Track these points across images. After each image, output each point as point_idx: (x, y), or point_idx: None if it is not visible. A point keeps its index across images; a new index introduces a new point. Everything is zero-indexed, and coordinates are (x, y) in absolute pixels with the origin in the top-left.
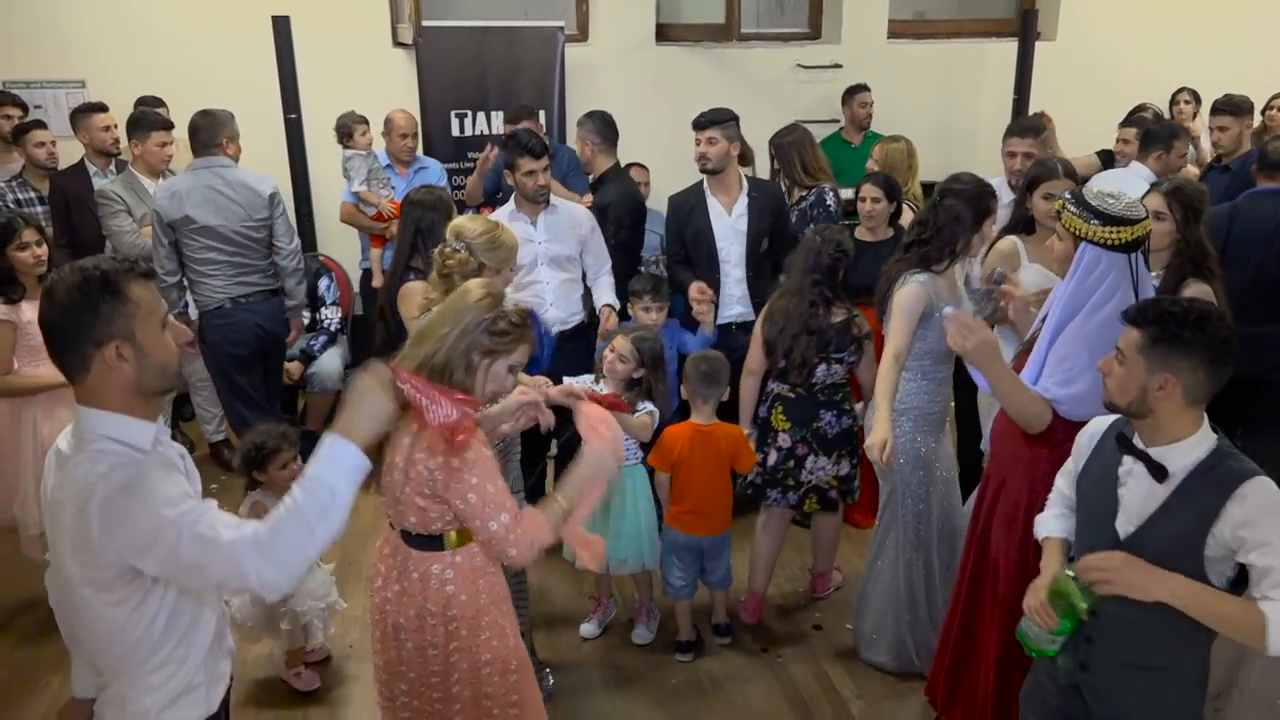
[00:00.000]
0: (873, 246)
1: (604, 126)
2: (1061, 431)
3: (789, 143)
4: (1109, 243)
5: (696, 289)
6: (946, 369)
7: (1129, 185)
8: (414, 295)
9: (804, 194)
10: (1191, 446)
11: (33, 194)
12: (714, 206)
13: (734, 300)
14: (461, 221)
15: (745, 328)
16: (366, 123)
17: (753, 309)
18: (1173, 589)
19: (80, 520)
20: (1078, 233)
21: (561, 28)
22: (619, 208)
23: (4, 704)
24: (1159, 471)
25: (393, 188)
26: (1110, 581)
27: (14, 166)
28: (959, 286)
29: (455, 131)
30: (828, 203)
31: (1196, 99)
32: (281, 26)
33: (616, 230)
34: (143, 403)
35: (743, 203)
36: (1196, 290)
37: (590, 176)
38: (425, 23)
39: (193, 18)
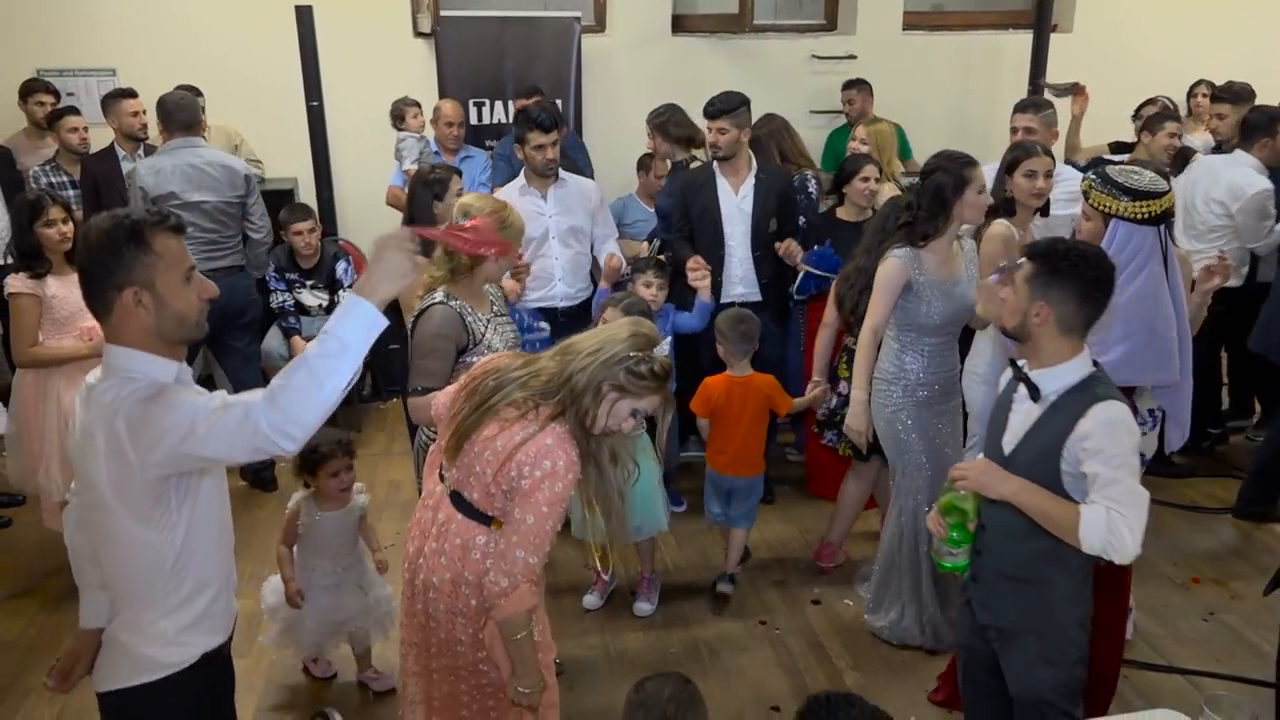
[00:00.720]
0: (851, 225)
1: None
2: None
3: (766, 134)
4: (1139, 216)
5: (693, 261)
6: (936, 341)
7: (1241, 176)
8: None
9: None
10: (1066, 372)
11: (65, 178)
12: (722, 186)
13: (736, 280)
14: (469, 199)
15: (749, 307)
16: (419, 106)
17: (757, 289)
18: (1012, 488)
19: (111, 437)
20: (1108, 210)
21: (578, 18)
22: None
23: (31, 662)
24: (1035, 391)
25: None
26: (965, 480)
27: (47, 151)
28: (956, 260)
29: (473, 120)
30: (810, 189)
31: (1214, 90)
32: (304, 16)
33: None
34: (165, 347)
35: (749, 184)
36: (1183, 254)
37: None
38: (444, 12)
39: (219, 7)
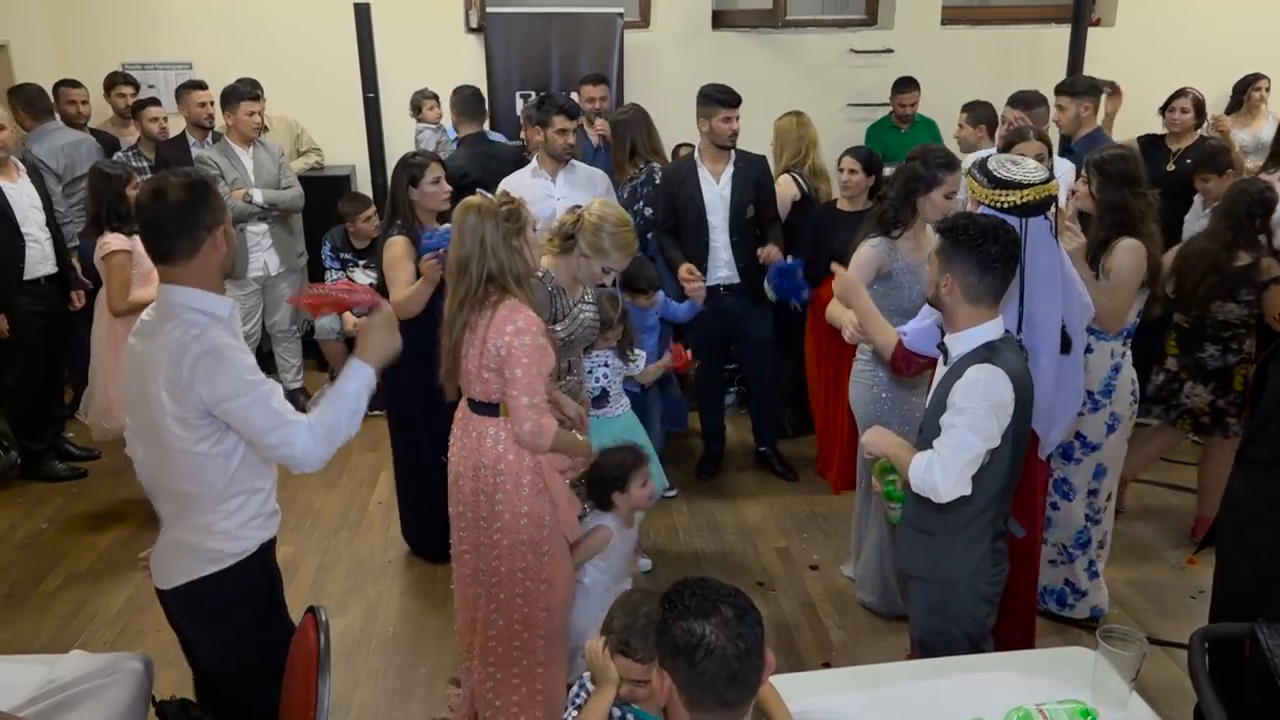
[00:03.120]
0: (852, 216)
1: (470, 101)
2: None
3: (623, 123)
4: (997, 204)
5: (686, 270)
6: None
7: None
8: (395, 247)
9: (635, 172)
10: (970, 338)
11: (145, 163)
12: (704, 175)
13: (720, 264)
14: (596, 206)
15: (731, 289)
16: (436, 98)
17: (737, 273)
18: (882, 444)
19: (175, 370)
20: (976, 196)
21: (621, 13)
22: (466, 168)
23: (98, 589)
24: (945, 354)
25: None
26: (867, 446)
27: (130, 139)
28: (929, 243)
29: (520, 110)
30: (656, 180)
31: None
32: (362, 13)
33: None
34: (219, 280)
35: (729, 172)
36: (1125, 245)
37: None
38: (490, 9)
39: (285, 5)
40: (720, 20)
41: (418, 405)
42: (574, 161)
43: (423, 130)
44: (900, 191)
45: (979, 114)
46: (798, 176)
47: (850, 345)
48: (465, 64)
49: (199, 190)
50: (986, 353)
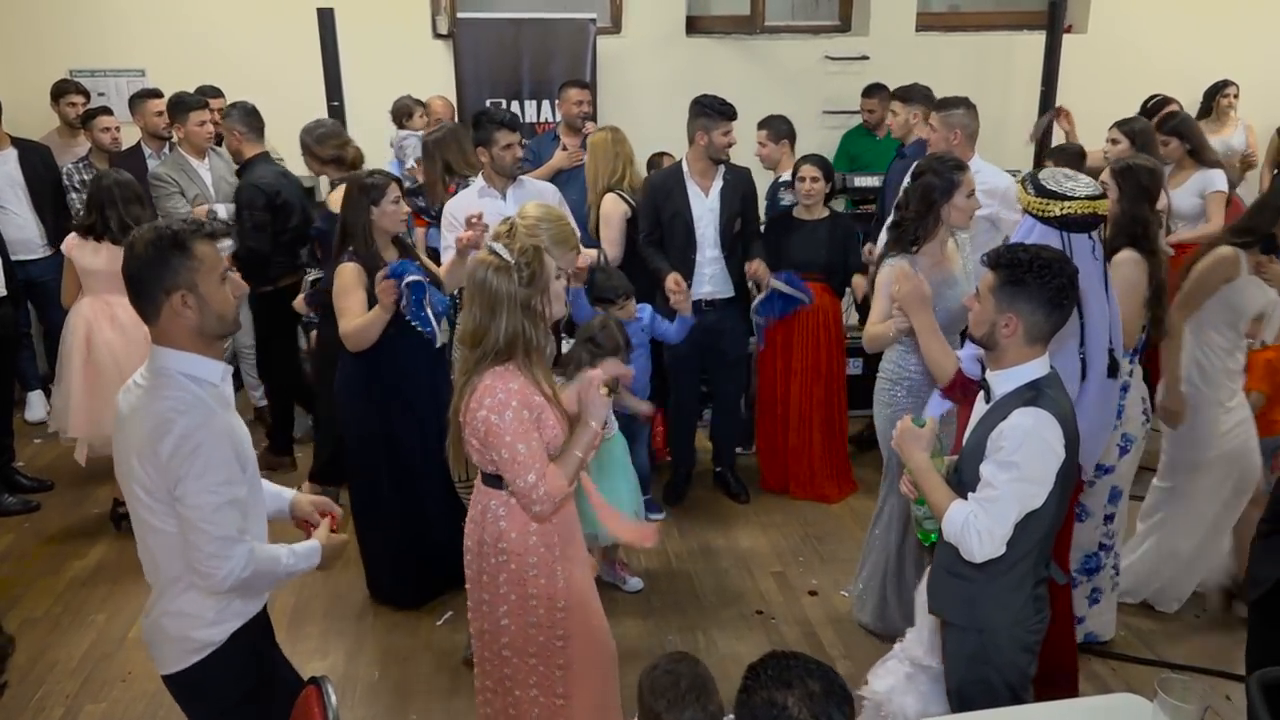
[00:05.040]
0: (809, 224)
1: (249, 116)
2: (959, 390)
3: (436, 142)
4: (1038, 213)
5: (673, 281)
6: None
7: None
8: (345, 275)
9: (453, 188)
10: (1017, 376)
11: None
12: (692, 189)
13: (706, 279)
14: (530, 209)
15: (716, 305)
16: (425, 106)
17: (729, 286)
18: (916, 461)
19: (153, 443)
20: (1021, 204)
21: (593, 19)
22: (249, 192)
23: (56, 636)
24: (988, 393)
25: None
26: (895, 436)
27: (80, 150)
28: (952, 259)
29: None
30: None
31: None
32: (326, 18)
33: (250, 213)
34: (206, 344)
35: (718, 186)
36: (1125, 258)
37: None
38: (461, 14)
39: (244, 9)
40: (694, 26)
41: (379, 455)
42: (521, 177)
43: (407, 137)
44: (920, 205)
45: (779, 129)
46: (623, 194)
47: (830, 362)
48: (433, 71)
49: (160, 249)
50: (1031, 393)
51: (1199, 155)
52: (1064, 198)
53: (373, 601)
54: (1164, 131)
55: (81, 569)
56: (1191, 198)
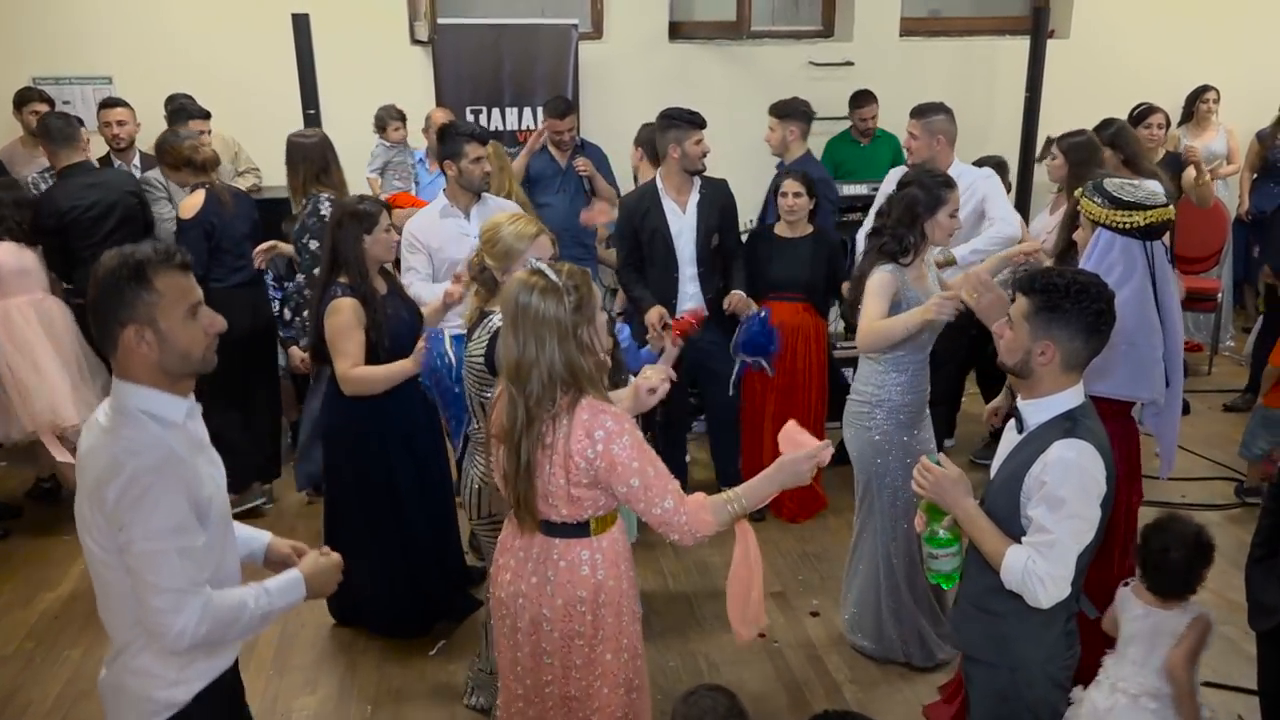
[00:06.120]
0: (790, 242)
1: (66, 125)
2: None
3: (298, 148)
4: (1120, 226)
5: (657, 316)
6: (920, 358)
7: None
8: (342, 312)
9: (304, 202)
10: (1051, 406)
11: None
12: (669, 205)
13: (688, 296)
14: (500, 218)
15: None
16: (403, 119)
17: (705, 303)
18: (963, 508)
19: (101, 487)
20: (1094, 218)
21: (576, 25)
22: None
23: (29, 674)
24: (1020, 422)
25: (415, 181)
26: (923, 485)
27: (42, 160)
28: (928, 277)
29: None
30: (321, 210)
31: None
32: (301, 24)
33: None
34: (170, 381)
35: (694, 200)
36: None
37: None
38: (441, 20)
39: (216, 15)
40: (677, 32)
41: (378, 496)
42: (484, 196)
43: (375, 146)
44: (903, 216)
45: (784, 110)
46: None
47: (812, 380)
48: (411, 78)
49: (117, 277)
50: (1069, 424)
51: (1134, 165)
52: (1143, 207)
53: (365, 632)
54: (1102, 141)
55: (53, 601)
56: None
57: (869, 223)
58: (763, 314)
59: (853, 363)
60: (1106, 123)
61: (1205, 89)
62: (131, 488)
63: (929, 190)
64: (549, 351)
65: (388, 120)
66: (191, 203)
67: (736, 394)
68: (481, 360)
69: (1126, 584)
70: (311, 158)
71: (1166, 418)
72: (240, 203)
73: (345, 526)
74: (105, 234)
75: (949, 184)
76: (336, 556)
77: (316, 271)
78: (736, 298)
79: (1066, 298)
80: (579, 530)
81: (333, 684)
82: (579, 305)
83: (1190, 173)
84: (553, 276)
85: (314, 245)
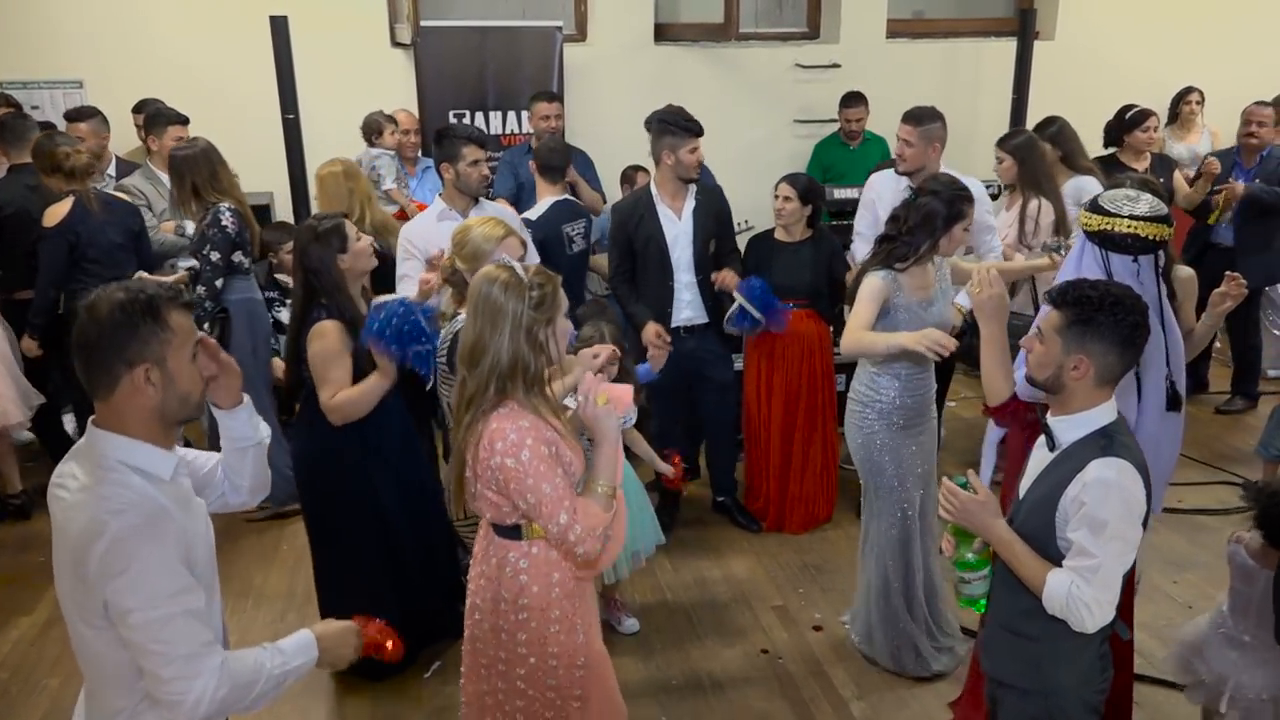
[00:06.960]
0: (789, 247)
1: (21, 124)
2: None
3: (181, 159)
4: (1084, 227)
5: (654, 333)
6: (912, 365)
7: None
8: (328, 336)
9: (203, 214)
10: (1085, 422)
11: None
12: (664, 213)
13: (684, 305)
14: (472, 223)
15: (693, 331)
16: (395, 122)
17: (704, 311)
18: (997, 533)
19: (80, 551)
20: (1084, 226)
21: (560, 27)
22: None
23: (4, 707)
24: (1051, 439)
25: (409, 188)
26: (952, 513)
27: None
28: (931, 286)
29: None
30: (222, 221)
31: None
32: (279, 26)
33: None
34: (163, 430)
35: (690, 207)
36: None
37: None
38: (423, 23)
39: (190, 18)
40: (662, 34)
41: (363, 519)
42: (481, 200)
43: (379, 156)
44: (921, 226)
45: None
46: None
47: (815, 387)
48: (393, 82)
49: (129, 313)
50: (1104, 441)
51: (1071, 162)
52: (1109, 214)
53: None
54: (1044, 139)
55: (29, 627)
56: (1068, 206)
57: (859, 223)
58: (753, 281)
59: (853, 367)
60: (1048, 121)
61: (1189, 90)
62: (115, 550)
63: (950, 204)
64: (498, 341)
65: (383, 124)
66: (57, 211)
67: (736, 401)
68: (444, 359)
69: (1238, 540)
70: (197, 167)
71: (1159, 454)
72: (114, 211)
73: (332, 549)
74: (38, 238)
75: (969, 198)
76: (349, 624)
77: (219, 283)
78: (726, 272)
79: (1101, 310)
80: (511, 532)
81: (324, 710)
82: (540, 303)
83: (1182, 179)
84: (519, 272)
85: (215, 256)
